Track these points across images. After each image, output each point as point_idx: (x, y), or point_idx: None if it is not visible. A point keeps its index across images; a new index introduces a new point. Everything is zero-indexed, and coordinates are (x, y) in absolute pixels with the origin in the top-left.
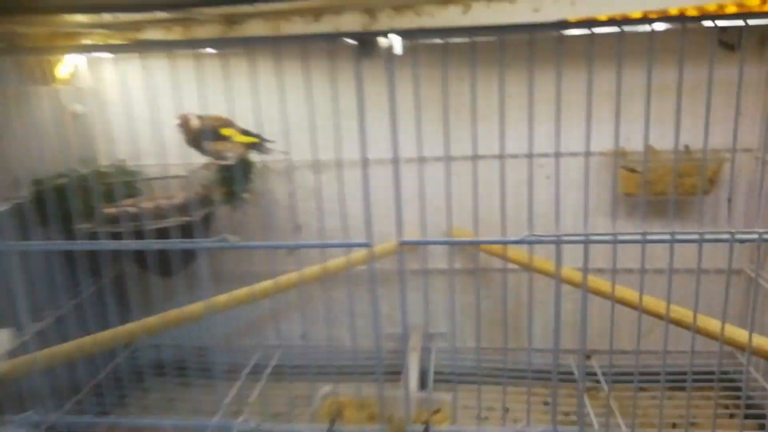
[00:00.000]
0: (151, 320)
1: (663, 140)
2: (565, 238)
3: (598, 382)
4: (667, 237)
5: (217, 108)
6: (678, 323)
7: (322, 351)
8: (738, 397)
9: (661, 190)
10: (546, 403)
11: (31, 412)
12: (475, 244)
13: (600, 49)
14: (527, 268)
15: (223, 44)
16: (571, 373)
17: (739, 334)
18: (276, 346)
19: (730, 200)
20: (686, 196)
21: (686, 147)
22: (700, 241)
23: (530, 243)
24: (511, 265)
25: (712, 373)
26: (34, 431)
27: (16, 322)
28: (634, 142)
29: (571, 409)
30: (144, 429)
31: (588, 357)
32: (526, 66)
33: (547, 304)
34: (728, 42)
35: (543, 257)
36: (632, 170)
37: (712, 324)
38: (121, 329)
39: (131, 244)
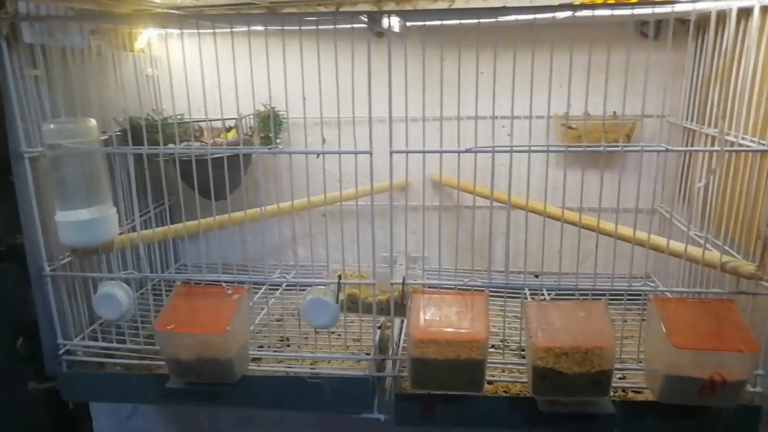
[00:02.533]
0: (217, 218)
1: (597, 108)
2: (498, 148)
3: (544, 298)
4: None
5: (258, 75)
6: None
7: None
8: None
9: (591, 142)
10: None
11: (131, 270)
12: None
13: (555, 34)
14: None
15: (259, 19)
16: (523, 289)
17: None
18: (293, 266)
19: None
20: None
21: (614, 113)
22: None
23: (473, 152)
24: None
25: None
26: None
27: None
28: (574, 109)
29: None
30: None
31: (536, 276)
32: (494, 48)
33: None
34: (645, 32)
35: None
36: (570, 127)
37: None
38: (200, 222)
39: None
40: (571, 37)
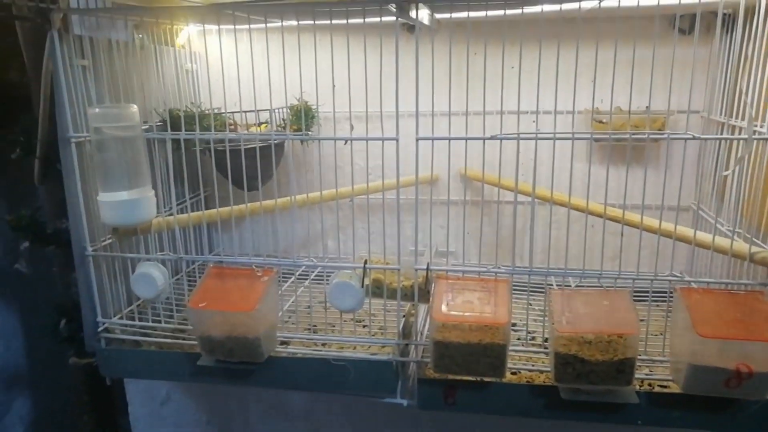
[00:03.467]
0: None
1: (631, 103)
2: (523, 136)
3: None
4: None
5: (290, 69)
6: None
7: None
8: None
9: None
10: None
11: (168, 252)
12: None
13: (582, 28)
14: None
15: (292, 11)
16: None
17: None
18: (322, 257)
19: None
20: (639, 143)
21: (647, 108)
22: None
23: (498, 139)
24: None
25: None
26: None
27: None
28: (605, 104)
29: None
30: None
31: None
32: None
33: (535, 229)
34: (682, 28)
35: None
36: (600, 122)
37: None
38: (237, 207)
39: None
40: (600, 32)
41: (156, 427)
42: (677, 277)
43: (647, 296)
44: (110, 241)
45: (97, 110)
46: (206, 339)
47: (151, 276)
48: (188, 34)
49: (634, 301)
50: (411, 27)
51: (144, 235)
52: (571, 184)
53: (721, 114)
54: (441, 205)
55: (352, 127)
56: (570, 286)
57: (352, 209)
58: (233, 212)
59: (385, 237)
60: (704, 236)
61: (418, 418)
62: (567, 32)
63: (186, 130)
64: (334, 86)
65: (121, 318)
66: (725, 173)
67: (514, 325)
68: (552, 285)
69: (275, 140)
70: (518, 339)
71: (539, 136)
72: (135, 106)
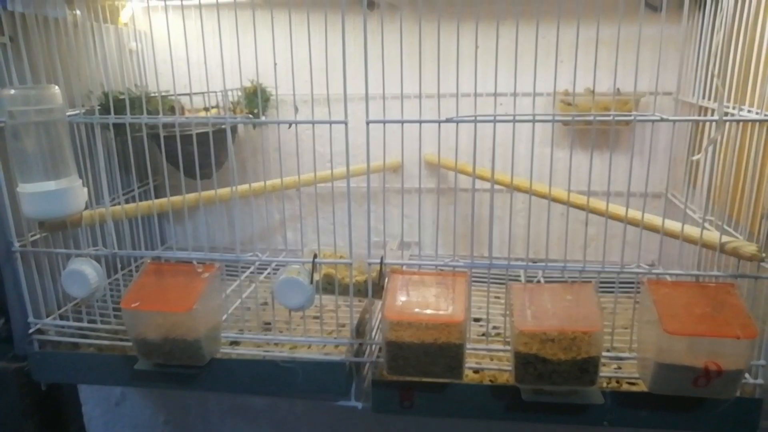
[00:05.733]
0: (192, 195)
1: (600, 84)
2: (480, 118)
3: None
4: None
5: (245, 50)
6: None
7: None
8: None
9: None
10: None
11: (100, 246)
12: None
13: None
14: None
15: None
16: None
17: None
18: (281, 250)
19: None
20: (606, 126)
21: (617, 89)
22: None
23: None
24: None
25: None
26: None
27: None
28: (571, 86)
29: None
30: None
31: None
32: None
33: (504, 218)
34: (653, 4)
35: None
36: (568, 104)
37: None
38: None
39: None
40: (564, 9)
41: (111, 429)
42: (645, 268)
43: (614, 286)
44: (40, 235)
45: (12, 92)
46: (142, 341)
47: (83, 273)
48: (132, 11)
49: (605, 291)
50: (371, 3)
51: (74, 228)
52: (532, 170)
53: (693, 95)
54: (407, 194)
55: (296, 110)
56: (534, 279)
57: (299, 198)
58: (170, 204)
59: (352, 228)
60: (673, 225)
61: (384, 418)
62: (529, 10)
63: (130, 114)
64: (275, 64)
65: (55, 318)
66: (694, 158)
67: (479, 320)
68: (520, 278)
69: (213, 124)
70: (483, 335)
71: (498, 118)
72: (56, 88)
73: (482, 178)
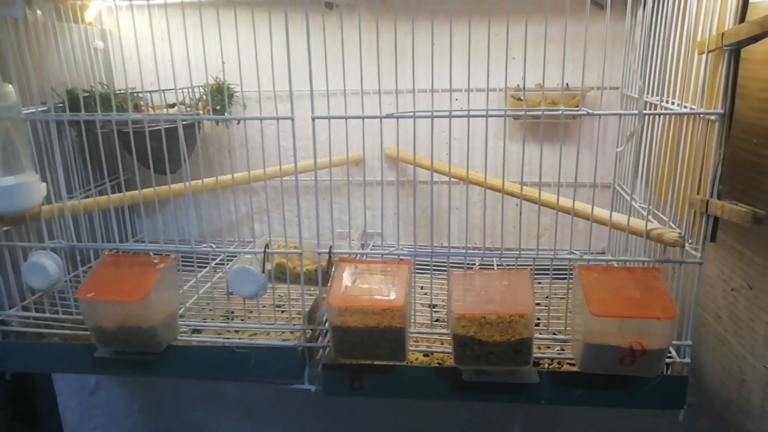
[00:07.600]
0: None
1: (550, 80)
2: (419, 113)
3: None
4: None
5: (210, 49)
6: (528, 199)
7: None
8: None
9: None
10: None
11: (58, 240)
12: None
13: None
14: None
15: None
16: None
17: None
18: (250, 241)
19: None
20: (555, 120)
21: (566, 84)
22: None
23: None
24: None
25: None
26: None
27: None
28: (530, 82)
29: None
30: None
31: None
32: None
33: (462, 209)
34: (598, 2)
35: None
36: (518, 99)
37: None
38: (130, 194)
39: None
40: (515, 8)
41: (86, 418)
42: (575, 255)
43: (565, 273)
44: (1, 229)
45: None
46: (99, 330)
47: (43, 265)
48: (98, 10)
49: (559, 278)
50: (329, 4)
51: (33, 222)
52: (486, 163)
53: (636, 90)
54: (369, 187)
55: (244, 107)
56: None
57: (250, 194)
58: (141, 197)
59: (320, 219)
60: (602, 213)
61: (351, 401)
62: (481, 9)
63: (98, 111)
64: (224, 63)
65: (18, 310)
66: (617, 149)
67: (435, 306)
68: (474, 265)
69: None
70: (437, 320)
71: (435, 113)
72: (9, 86)
73: (439, 172)
